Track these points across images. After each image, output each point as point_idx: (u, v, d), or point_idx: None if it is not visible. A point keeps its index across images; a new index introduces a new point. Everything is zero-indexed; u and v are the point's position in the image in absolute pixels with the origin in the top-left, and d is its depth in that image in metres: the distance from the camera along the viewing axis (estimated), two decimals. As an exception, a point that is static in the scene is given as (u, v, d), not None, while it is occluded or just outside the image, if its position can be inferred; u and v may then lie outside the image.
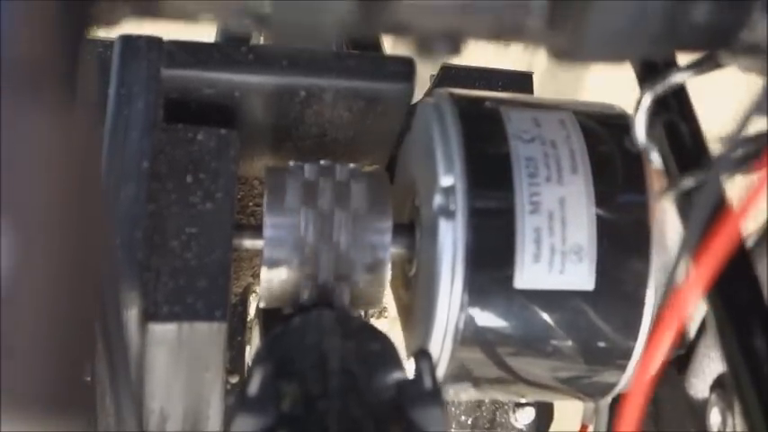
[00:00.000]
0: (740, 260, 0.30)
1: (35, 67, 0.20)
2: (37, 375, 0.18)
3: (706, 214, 0.27)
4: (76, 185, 0.20)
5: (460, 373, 0.44)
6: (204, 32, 0.50)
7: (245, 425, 0.33)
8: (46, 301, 0.19)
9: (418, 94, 0.48)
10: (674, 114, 0.36)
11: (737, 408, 0.39)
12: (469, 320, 0.41)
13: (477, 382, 0.45)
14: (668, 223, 0.41)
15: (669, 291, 0.29)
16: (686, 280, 0.28)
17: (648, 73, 0.36)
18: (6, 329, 0.18)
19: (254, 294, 0.52)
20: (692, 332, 0.44)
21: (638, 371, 0.30)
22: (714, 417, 0.41)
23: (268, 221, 0.43)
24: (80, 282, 0.19)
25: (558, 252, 0.41)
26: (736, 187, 0.30)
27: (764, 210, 0.28)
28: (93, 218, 0.20)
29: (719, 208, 0.29)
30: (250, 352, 0.51)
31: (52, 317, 0.19)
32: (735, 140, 0.27)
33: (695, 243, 0.28)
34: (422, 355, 0.37)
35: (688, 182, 0.33)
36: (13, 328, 0.18)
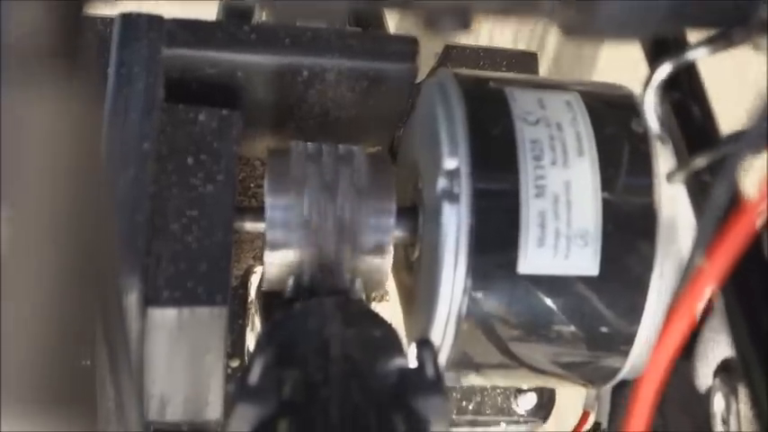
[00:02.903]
0: (752, 245, 0.29)
1: (34, 45, 0.19)
2: (35, 363, 0.18)
3: (722, 201, 0.27)
4: (77, 165, 0.19)
5: (463, 359, 0.44)
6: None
7: (245, 414, 0.33)
8: (44, 285, 0.18)
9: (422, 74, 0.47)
10: (685, 94, 0.35)
11: (742, 393, 0.39)
12: (472, 305, 0.41)
13: (479, 367, 0.45)
14: (679, 206, 0.41)
15: (683, 283, 0.28)
16: (700, 271, 0.28)
17: (658, 51, 0.35)
18: (3, 316, 0.18)
19: (254, 275, 0.52)
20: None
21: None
22: (718, 402, 0.41)
23: (270, 203, 0.43)
24: (80, 264, 0.19)
25: (563, 236, 0.40)
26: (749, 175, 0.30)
27: None
28: (93, 199, 0.20)
29: (734, 195, 0.29)
30: (250, 334, 0.51)
31: (51, 301, 0.18)
32: (754, 119, 0.26)
33: (709, 233, 0.27)
34: (424, 343, 0.36)
35: (699, 163, 0.33)
36: (11, 312, 0.18)
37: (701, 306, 0.28)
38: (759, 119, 0.26)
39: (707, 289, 0.27)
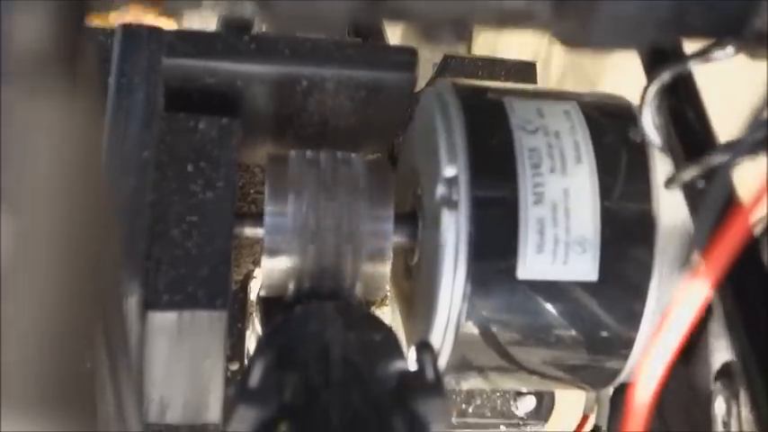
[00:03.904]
0: (749, 249, 0.29)
1: (36, 55, 0.19)
2: (37, 363, 0.18)
3: (717, 205, 0.27)
4: (79, 172, 0.19)
5: (462, 363, 0.44)
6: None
7: (246, 416, 0.33)
8: (45, 289, 0.18)
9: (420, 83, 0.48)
10: (682, 102, 0.35)
11: (743, 396, 0.39)
12: (472, 310, 0.41)
13: (479, 371, 0.45)
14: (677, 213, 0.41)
15: (678, 285, 0.29)
16: (696, 273, 0.28)
17: (656, 61, 0.35)
18: (5, 318, 0.18)
19: (254, 280, 0.52)
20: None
21: (643, 369, 0.29)
22: (719, 405, 0.41)
23: (269, 209, 0.43)
24: (81, 270, 0.19)
25: (561, 243, 0.41)
26: (744, 178, 0.30)
27: None
28: (95, 205, 0.20)
29: (730, 199, 0.29)
30: (250, 337, 0.51)
31: (52, 306, 0.19)
32: (747, 127, 0.27)
33: (705, 236, 0.27)
34: (423, 345, 0.36)
35: (695, 170, 0.33)
36: (12, 317, 0.18)
37: (699, 307, 0.28)
38: (753, 126, 0.27)
39: (704, 289, 0.28)
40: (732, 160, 0.28)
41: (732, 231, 0.27)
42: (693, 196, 0.34)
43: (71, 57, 0.20)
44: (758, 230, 0.37)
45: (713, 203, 0.28)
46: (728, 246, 0.27)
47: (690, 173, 0.34)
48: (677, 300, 0.28)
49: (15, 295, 0.18)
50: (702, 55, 0.32)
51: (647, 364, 0.29)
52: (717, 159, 0.32)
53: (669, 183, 0.35)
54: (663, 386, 0.29)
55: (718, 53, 0.30)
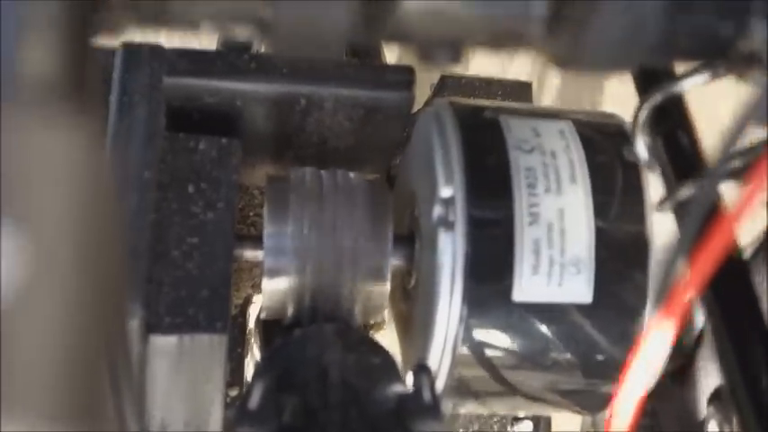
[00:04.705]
0: (737, 271, 0.30)
1: (43, 80, 0.20)
2: (44, 389, 0.18)
3: (699, 220, 0.27)
4: (89, 196, 0.20)
5: (459, 386, 0.44)
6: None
7: None
8: (57, 313, 0.19)
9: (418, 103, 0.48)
10: (673, 124, 0.36)
11: (735, 420, 0.39)
12: (468, 333, 0.41)
13: (475, 395, 0.45)
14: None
15: (662, 296, 0.29)
16: (679, 284, 0.28)
17: (648, 82, 0.36)
18: (13, 341, 0.18)
19: (253, 305, 0.52)
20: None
21: (624, 379, 0.30)
22: (712, 429, 0.41)
23: (268, 231, 0.43)
24: (92, 293, 0.19)
25: (556, 264, 0.41)
26: (732, 195, 0.30)
27: (762, 220, 0.28)
28: (105, 229, 0.20)
29: (714, 215, 0.29)
30: (249, 363, 0.51)
31: (63, 329, 0.19)
32: (730, 149, 0.27)
33: (688, 248, 0.28)
34: (421, 368, 0.37)
35: (686, 191, 0.33)
36: (21, 340, 0.18)
37: (682, 317, 0.28)
38: (727, 152, 0.27)
39: (686, 300, 0.28)
40: (711, 183, 0.28)
41: (714, 241, 0.27)
42: (683, 216, 0.35)
43: (79, 81, 0.20)
44: (748, 254, 0.37)
45: (695, 216, 0.28)
46: (711, 255, 0.27)
47: (680, 195, 0.34)
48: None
49: (27, 315, 0.18)
50: (692, 76, 0.32)
51: (622, 397, 0.29)
52: (704, 183, 0.32)
53: (661, 205, 0.35)
54: (653, 400, 0.29)
55: (707, 74, 0.31)
